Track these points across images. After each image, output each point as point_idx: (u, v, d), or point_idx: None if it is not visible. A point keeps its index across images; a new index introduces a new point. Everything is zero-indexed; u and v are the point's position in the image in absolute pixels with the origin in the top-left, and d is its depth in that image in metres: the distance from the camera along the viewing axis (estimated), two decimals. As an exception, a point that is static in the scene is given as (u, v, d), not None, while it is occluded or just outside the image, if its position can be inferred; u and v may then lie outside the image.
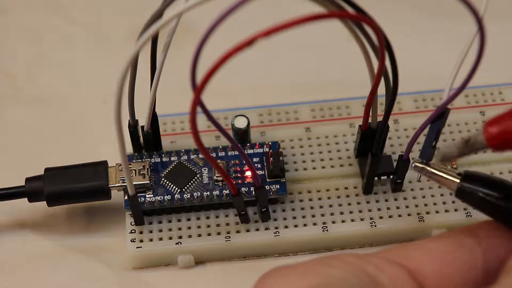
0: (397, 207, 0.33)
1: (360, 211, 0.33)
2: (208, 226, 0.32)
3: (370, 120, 0.31)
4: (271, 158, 0.32)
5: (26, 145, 0.36)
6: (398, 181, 0.32)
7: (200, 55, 0.23)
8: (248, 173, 0.33)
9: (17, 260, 0.33)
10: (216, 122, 0.27)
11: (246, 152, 0.33)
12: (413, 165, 0.29)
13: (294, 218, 0.33)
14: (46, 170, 0.32)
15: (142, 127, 0.32)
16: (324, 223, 0.32)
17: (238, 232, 0.32)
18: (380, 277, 0.24)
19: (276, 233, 0.32)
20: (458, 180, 0.28)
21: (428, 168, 0.29)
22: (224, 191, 0.32)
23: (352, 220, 0.32)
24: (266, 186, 0.32)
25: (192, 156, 0.33)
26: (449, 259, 0.25)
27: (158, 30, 0.25)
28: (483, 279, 0.25)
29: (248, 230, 0.32)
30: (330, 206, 0.33)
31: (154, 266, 0.32)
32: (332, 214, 0.33)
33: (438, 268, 0.25)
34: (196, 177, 0.33)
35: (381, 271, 0.24)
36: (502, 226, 0.26)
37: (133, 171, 0.32)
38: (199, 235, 0.32)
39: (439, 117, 0.30)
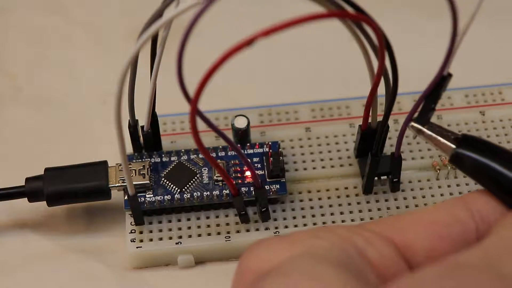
0: (397, 207, 0.33)
1: (360, 211, 0.33)
2: (208, 226, 0.32)
3: (370, 120, 0.31)
4: (271, 158, 0.32)
5: (26, 145, 0.36)
6: (394, 180, 0.32)
7: (183, 60, 0.23)
8: (248, 173, 0.32)
9: (17, 260, 0.33)
10: (214, 126, 0.26)
11: (246, 152, 0.33)
12: (410, 125, 0.28)
13: (294, 218, 0.33)
14: (46, 170, 0.32)
15: (142, 127, 0.32)
16: (324, 223, 0.32)
17: (238, 232, 0.32)
18: (368, 252, 0.24)
19: (276, 233, 0.32)
20: (454, 146, 0.27)
21: (425, 130, 0.28)
22: (224, 191, 0.32)
23: (352, 220, 0.32)
24: (266, 186, 0.32)
25: (192, 156, 0.33)
26: (442, 233, 0.25)
27: (158, 30, 0.25)
28: None
29: (248, 230, 0.32)
30: (330, 206, 0.33)
31: (154, 266, 0.32)
32: (332, 214, 0.33)
33: (430, 243, 0.25)
34: (196, 177, 0.33)
35: (370, 245, 0.24)
36: (493, 197, 0.26)
37: (133, 171, 0.32)
38: (199, 235, 0.32)
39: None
